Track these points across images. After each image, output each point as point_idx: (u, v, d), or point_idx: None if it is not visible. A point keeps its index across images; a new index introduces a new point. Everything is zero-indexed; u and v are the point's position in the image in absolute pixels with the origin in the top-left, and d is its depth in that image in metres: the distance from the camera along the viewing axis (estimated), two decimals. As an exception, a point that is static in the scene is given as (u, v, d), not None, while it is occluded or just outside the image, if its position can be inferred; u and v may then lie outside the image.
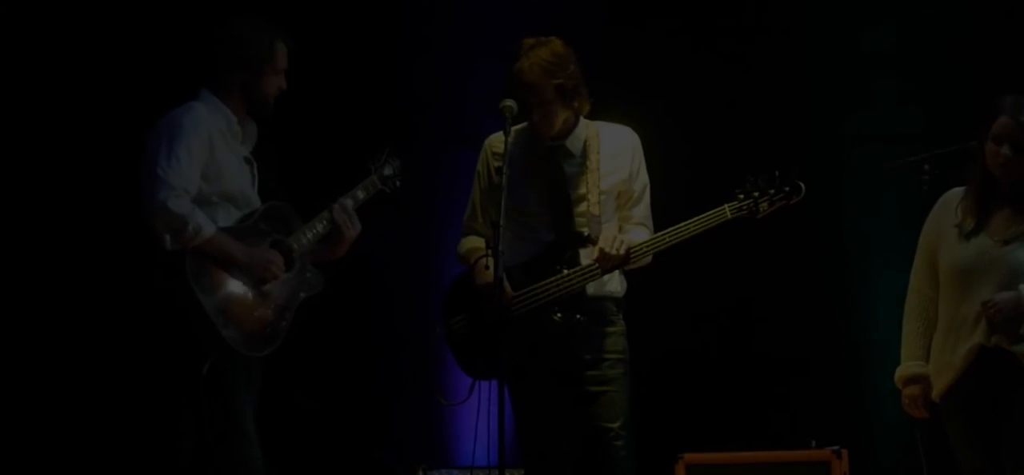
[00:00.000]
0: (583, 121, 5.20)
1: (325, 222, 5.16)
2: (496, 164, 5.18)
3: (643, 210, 5.15)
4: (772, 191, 4.83)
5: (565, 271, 5.05)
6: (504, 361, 4.85)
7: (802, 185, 4.81)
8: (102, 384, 6.96)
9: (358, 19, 7.23)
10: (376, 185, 5.29)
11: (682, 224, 4.96)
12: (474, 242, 5.27)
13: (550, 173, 5.15)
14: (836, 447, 6.31)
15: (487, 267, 5.06)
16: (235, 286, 4.94)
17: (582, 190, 5.11)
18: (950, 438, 4.82)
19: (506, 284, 5.00)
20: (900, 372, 4.86)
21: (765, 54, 7.26)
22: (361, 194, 5.24)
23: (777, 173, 4.86)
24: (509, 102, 5.09)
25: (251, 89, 5.09)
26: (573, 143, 5.15)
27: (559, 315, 5.04)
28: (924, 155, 6.14)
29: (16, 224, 7.01)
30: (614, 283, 5.16)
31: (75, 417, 7.00)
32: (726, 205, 4.90)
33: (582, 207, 5.11)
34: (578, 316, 5.02)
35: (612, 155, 5.14)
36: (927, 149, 6.18)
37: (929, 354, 4.82)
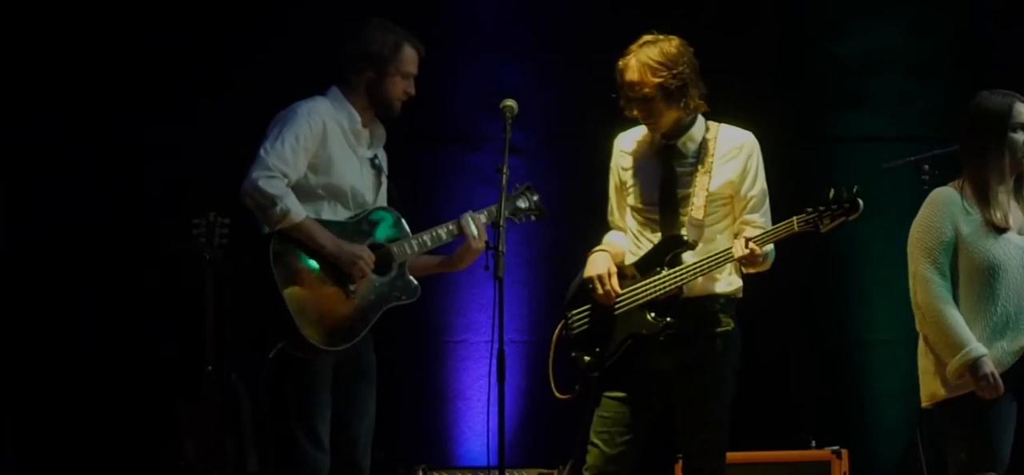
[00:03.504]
0: (702, 122, 5.16)
1: (443, 234, 5.16)
2: (622, 163, 5.25)
3: (763, 219, 5.09)
4: (834, 207, 4.87)
5: (664, 272, 5.05)
6: (591, 362, 5.08)
7: (861, 201, 4.87)
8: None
9: (356, 19, 7.22)
10: (499, 213, 5.15)
11: (758, 234, 4.96)
12: (608, 237, 5.29)
13: (662, 172, 5.14)
14: (836, 447, 6.31)
15: (603, 262, 5.12)
16: (318, 276, 4.93)
17: (689, 191, 5.08)
18: (959, 434, 4.77)
19: (614, 281, 5.07)
20: (964, 358, 4.74)
21: (765, 54, 7.25)
22: (483, 217, 5.21)
23: (844, 190, 4.91)
24: (510, 102, 5.21)
25: (376, 89, 5.13)
26: (686, 143, 5.12)
27: (653, 315, 5.04)
28: (924, 155, 6.14)
29: (47, 214, 7.04)
30: (723, 282, 5.10)
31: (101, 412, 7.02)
32: (794, 218, 4.93)
33: (686, 209, 5.08)
34: (668, 319, 5.01)
35: (725, 158, 5.10)
36: (927, 149, 6.19)
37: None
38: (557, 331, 5.31)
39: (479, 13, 7.32)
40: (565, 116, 7.30)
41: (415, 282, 5.18)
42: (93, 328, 7.04)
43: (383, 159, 5.27)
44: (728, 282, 5.09)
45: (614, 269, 5.10)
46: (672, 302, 5.01)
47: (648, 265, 5.09)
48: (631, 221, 5.20)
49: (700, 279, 5.02)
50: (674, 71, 5.02)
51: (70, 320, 7.05)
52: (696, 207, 5.04)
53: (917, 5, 7.24)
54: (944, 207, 4.86)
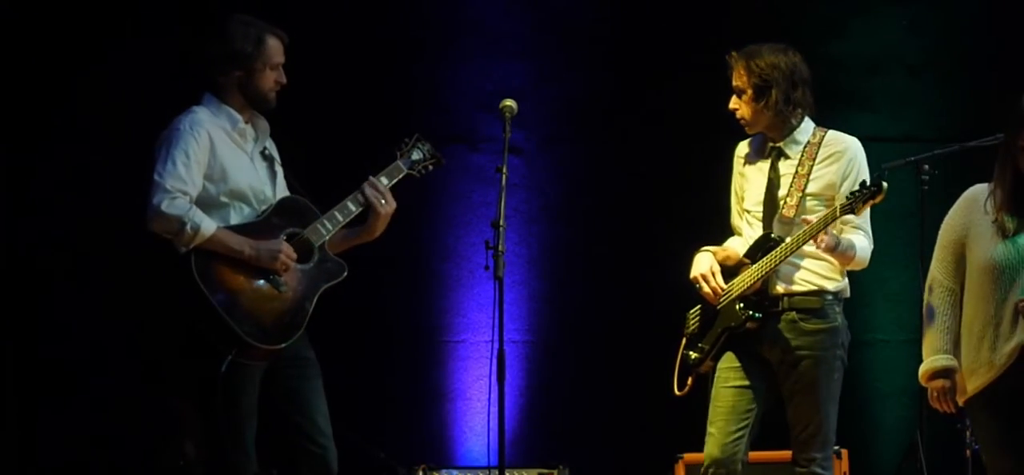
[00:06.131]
0: (810, 126, 5.33)
1: (352, 206, 5.19)
2: (739, 168, 5.41)
3: (860, 219, 5.22)
4: (864, 192, 5.02)
5: (752, 267, 5.22)
6: (697, 358, 5.28)
7: (885, 184, 4.99)
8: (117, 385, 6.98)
9: (357, 19, 7.23)
10: (401, 170, 5.32)
11: (814, 222, 5.11)
12: (728, 242, 5.43)
13: (767, 174, 5.30)
14: (836, 447, 6.30)
15: (706, 261, 5.30)
16: (245, 281, 4.98)
17: (786, 192, 5.24)
18: (979, 438, 4.79)
19: (718, 278, 5.25)
20: (926, 366, 4.84)
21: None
22: (385, 179, 5.26)
23: (873, 175, 5.11)
24: (509, 102, 5.29)
25: (247, 86, 5.13)
26: (790, 145, 5.29)
27: (740, 306, 5.20)
28: (924, 155, 6.14)
29: (33, 221, 7.04)
30: (831, 280, 5.25)
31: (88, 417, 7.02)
32: (837, 204, 5.09)
33: (781, 208, 5.24)
34: (751, 312, 5.18)
35: (826, 161, 5.26)
36: (927, 149, 6.19)
37: (955, 349, 4.80)
38: (684, 333, 5.46)
39: (479, 13, 7.32)
40: (565, 116, 7.31)
41: (341, 261, 5.21)
42: (94, 326, 7.03)
43: (272, 149, 5.29)
44: (837, 281, 5.27)
45: (717, 267, 5.27)
46: (759, 294, 5.20)
47: (750, 259, 5.28)
48: (744, 223, 5.36)
49: (809, 277, 5.21)
50: (765, 73, 5.22)
51: (71, 318, 7.05)
52: (788, 206, 5.22)
53: (917, 5, 7.24)
54: (963, 204, 4.86)
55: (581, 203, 7.33)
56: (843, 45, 7.28)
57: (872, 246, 5.28)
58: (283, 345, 5.02)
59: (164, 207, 4.90)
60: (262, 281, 5.00)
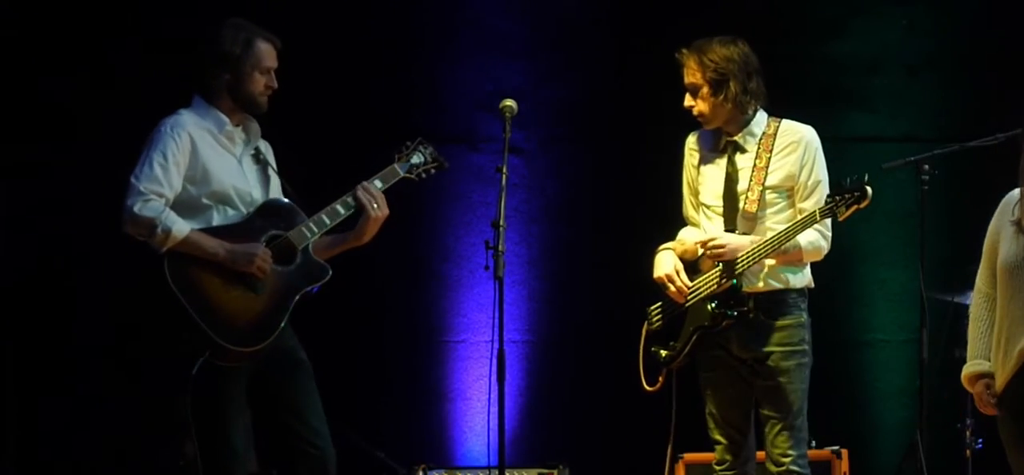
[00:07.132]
0: (763, 118, 5.30)
1: (341, 209, 5.17)
2: (692, 160, 5.37)
3: (812, 205, 5.19)
4: (847, 196, 5.01)
5: (719, 265, 5.18)
6: (667, 356, 5.26)
7: (868, 190, 4.99)
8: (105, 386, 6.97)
9: (356, 19, 7.22)
10: (397, 173, 5.29)
11: (783, 229, 5.11)
12: (682, 232, 5.41)
13: (725, 168, 5.27)
14: (836, 447, 6.31)
15: (669, 261, 5.29)
16: (219, 284, 4.97)
17: (745, 185, 5.22)
18: (1002, 438, 4.80)
19: (683, 277, 5.23)
20: (964, 371, 4.85)
21: (766, 55, 7.24)
22: (379, 182, 5.24)
23: (850, 180, 5.06)
24: (509, 102, 5.29)
25: (236, 89, 5.12)
26: (745, 138, 5.27)
27: (712, 306, 5.18)
28: (924, 155, 6.14)
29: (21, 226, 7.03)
30: (796, 276, 5.24)
31: (80, 419, 7.01)
32: (817, 209, 5.07)
33: (741, 203, 5.21)
34: (726, 311, 5.15)
35: (783, 152, 5.24)
36: (927, 149, 6.19)
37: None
38: (644, 328, 5.44)
39: (479, 13, 7.32)
40: (565, 116, 7.31)
41: (324, 264, 5.19)
42: (93, 326, 7.03)
43: (267, 151, 5.28)
44: (801, 275, 5.26)
45: (680, 266, 5.26)
46: (730, 293, 5.16)
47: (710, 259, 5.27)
48: (702, 217, 5.33)
49: (774, 273, 5.19)
50: (721, 66, 5.19)
51: (70, 318, 7.05)
52: (750, 201, 5.19)
53: (917, 5, 7.24)
54: (999, 208, 4.85)
55: (581, 203, 7.33)
56: (843, 45, 7.28)
57: (829, 236, 5.22)
58: (257, 347, 5.01)
59: (137, 209, 4.91)
60: (237, 284, 5.00)
